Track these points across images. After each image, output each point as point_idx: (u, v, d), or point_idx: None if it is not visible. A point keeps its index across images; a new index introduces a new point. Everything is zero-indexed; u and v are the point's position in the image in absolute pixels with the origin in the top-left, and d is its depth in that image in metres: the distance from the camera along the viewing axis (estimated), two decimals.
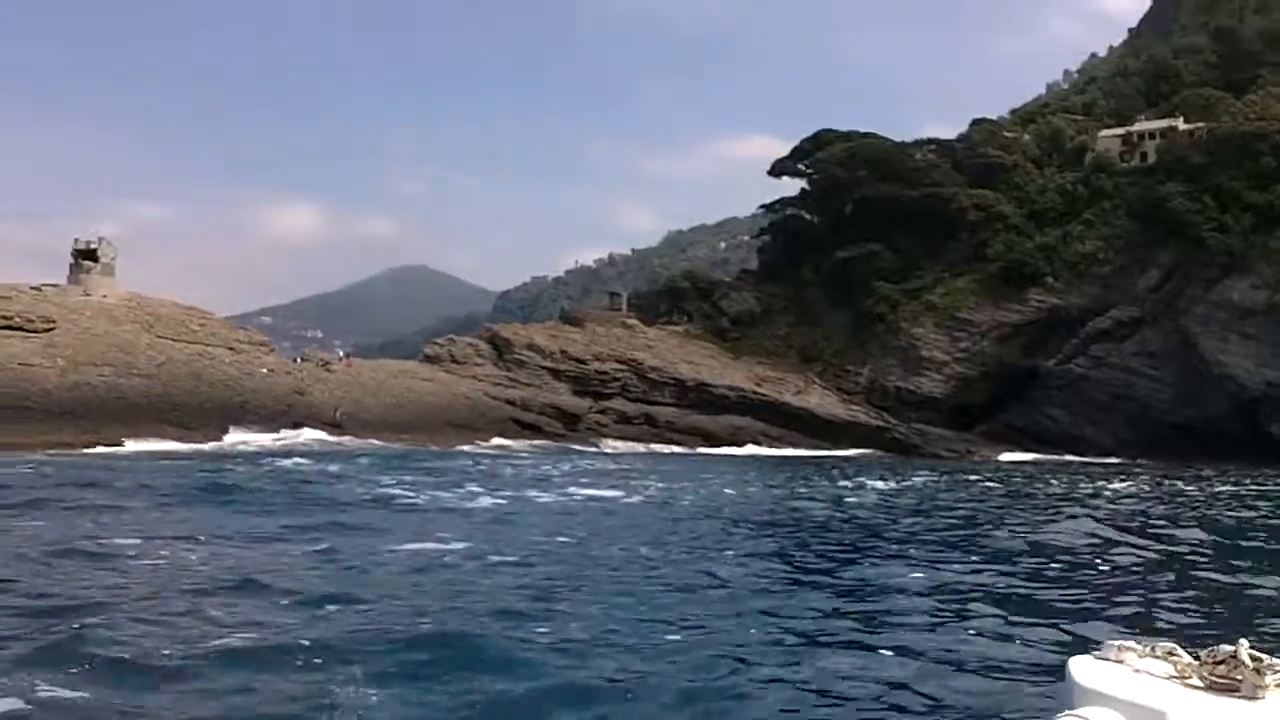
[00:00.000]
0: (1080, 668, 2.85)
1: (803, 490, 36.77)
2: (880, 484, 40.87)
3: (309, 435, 55.24)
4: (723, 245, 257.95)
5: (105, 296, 59.94)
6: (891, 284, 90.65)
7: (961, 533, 23.53)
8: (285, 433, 54.95)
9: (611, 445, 70.93)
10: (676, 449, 73.66)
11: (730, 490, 35.51)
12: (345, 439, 56.41)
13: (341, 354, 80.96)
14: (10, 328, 51.23)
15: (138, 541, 16.70)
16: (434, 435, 62.33)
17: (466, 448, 59.32)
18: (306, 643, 10.00)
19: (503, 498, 27.80)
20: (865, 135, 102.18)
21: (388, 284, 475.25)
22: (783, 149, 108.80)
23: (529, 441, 67.09)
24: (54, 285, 59.60)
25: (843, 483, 41.34)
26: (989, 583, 15.58)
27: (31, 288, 57.78)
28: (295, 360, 70.39)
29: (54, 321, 53.34)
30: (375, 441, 57.12)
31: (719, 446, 76.01)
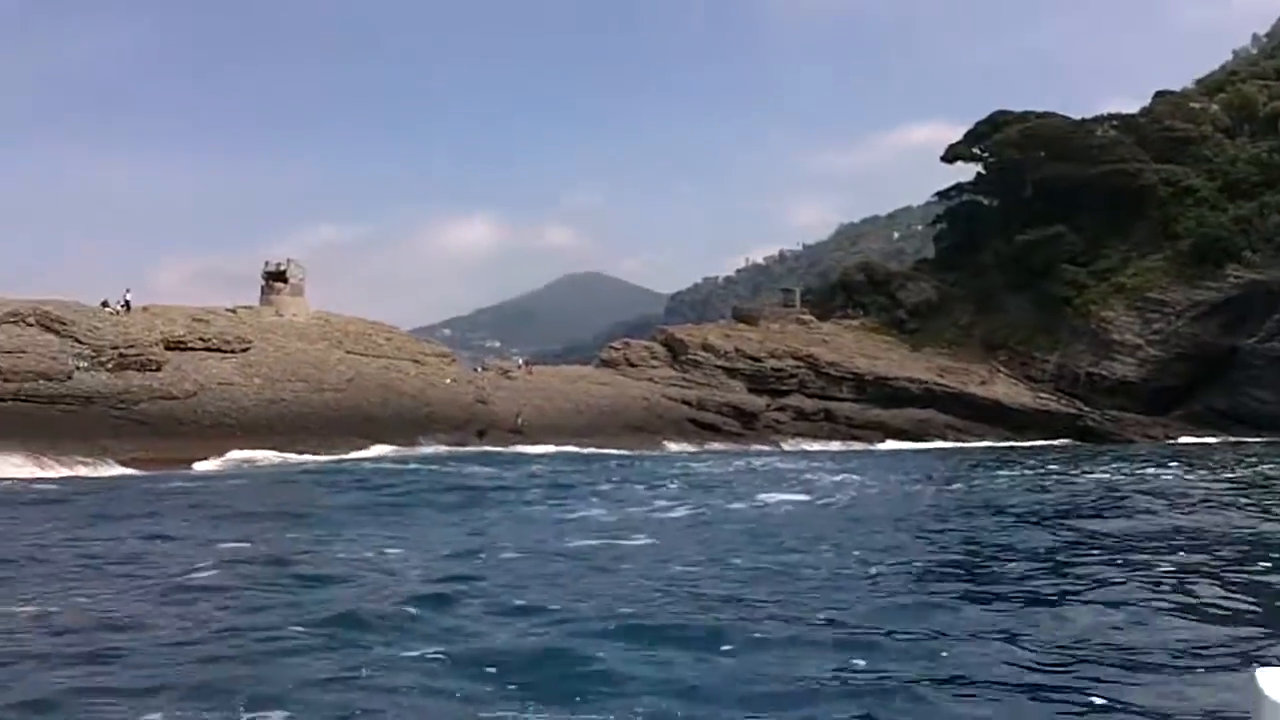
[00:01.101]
0: (1271, 680, 2.51)
1: (1010, 484, 35.39)
2: (1105, 475, 38.42)
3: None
4: (896, 236, 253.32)
5: (296, 315, 62.25)
6: (1077, 266, 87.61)
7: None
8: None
9: (791, 443, 70.27)
10: (857, 445, 72.57)
11: (923, 488, 34.45)
12: (525, 445, 57.22)
13: (521, 362, 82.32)
14: (210, 349, 53.66)
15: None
16: (613, 439, 62.82)
17: (649, 451, 59.60)
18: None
19: (702, 504, 27.47)
20: (1042, 115, 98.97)
21: (563, 292, 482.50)
22: (955, 134, 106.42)
23: (707, 443, 67.00)
24: (248, 307, 62.19)
25: (1062, 473, 39.46)
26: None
27: (227, 310, 60.42)
28: (476, 370, 71.85)
29: (249, 341, 55.63)
30: (550, 447, 57.85)
31: (902, 441, 74.59)
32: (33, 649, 10.08)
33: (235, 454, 45.79)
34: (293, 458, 46.56)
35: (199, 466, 42.64)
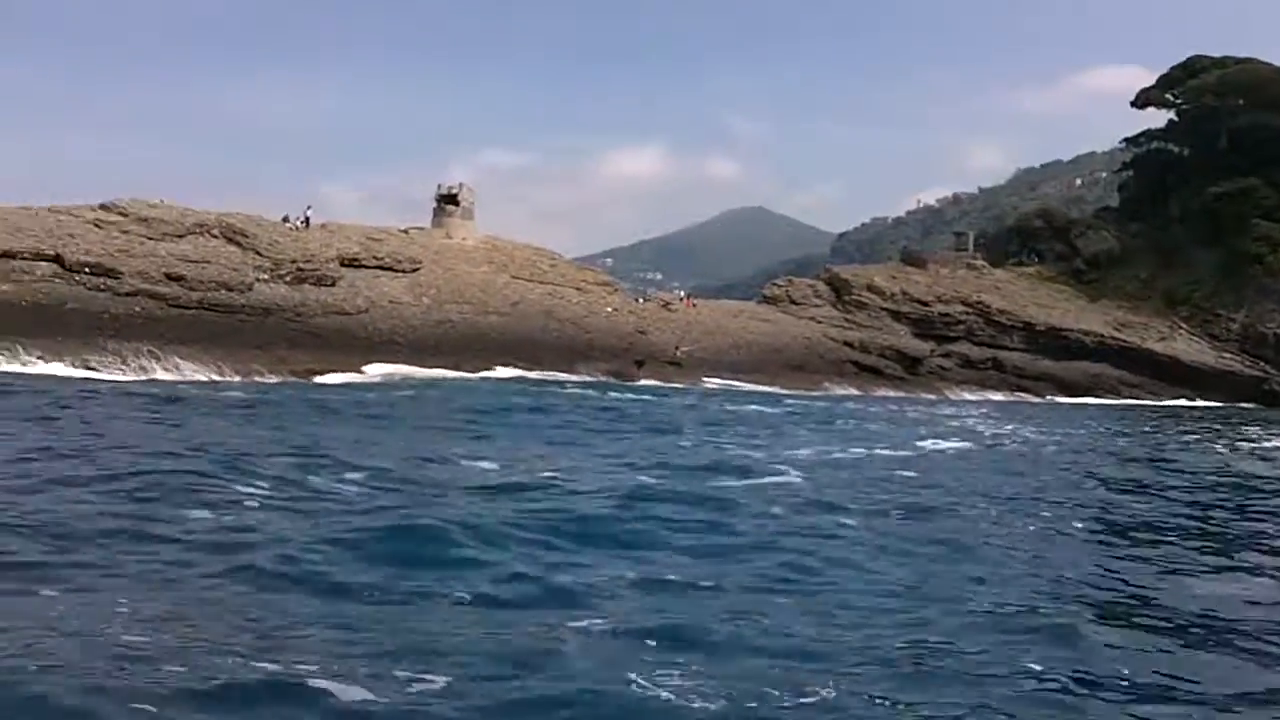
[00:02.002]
0: None
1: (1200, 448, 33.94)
2: None
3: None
4: (1079, 182, 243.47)
5: (465, 239, 63.30)
6: (1271, 222, 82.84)
7: None
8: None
9: (955, 391, 68.73)
10: (1026, 397, 70.65)
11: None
12: (685, 379, 57.20)
13: (682, 294, 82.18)
14: (382, 267, 55.00)
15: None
16: (773, 377, 62.36)
17: (810, 391, 59.20)
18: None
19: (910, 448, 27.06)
20: (1241, 61, 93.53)
21: (726, 226, 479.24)
22: (1147, 79, 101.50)
23: (870, 388, 66.01)
24: (419, 228, 63.46)
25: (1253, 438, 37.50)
26: None
27: (399, 230, 61.79)
28: (637, 300, 71.99)
29: (419, 262, 56.82)
30: (717, 381, 57.89)
31: (1072, 395, 72.34)
32: None
33: (401, 368, 47.18)
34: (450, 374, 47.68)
35: (367, 373, 44.33)
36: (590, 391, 44.52)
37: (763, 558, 11.64)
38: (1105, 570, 12.15)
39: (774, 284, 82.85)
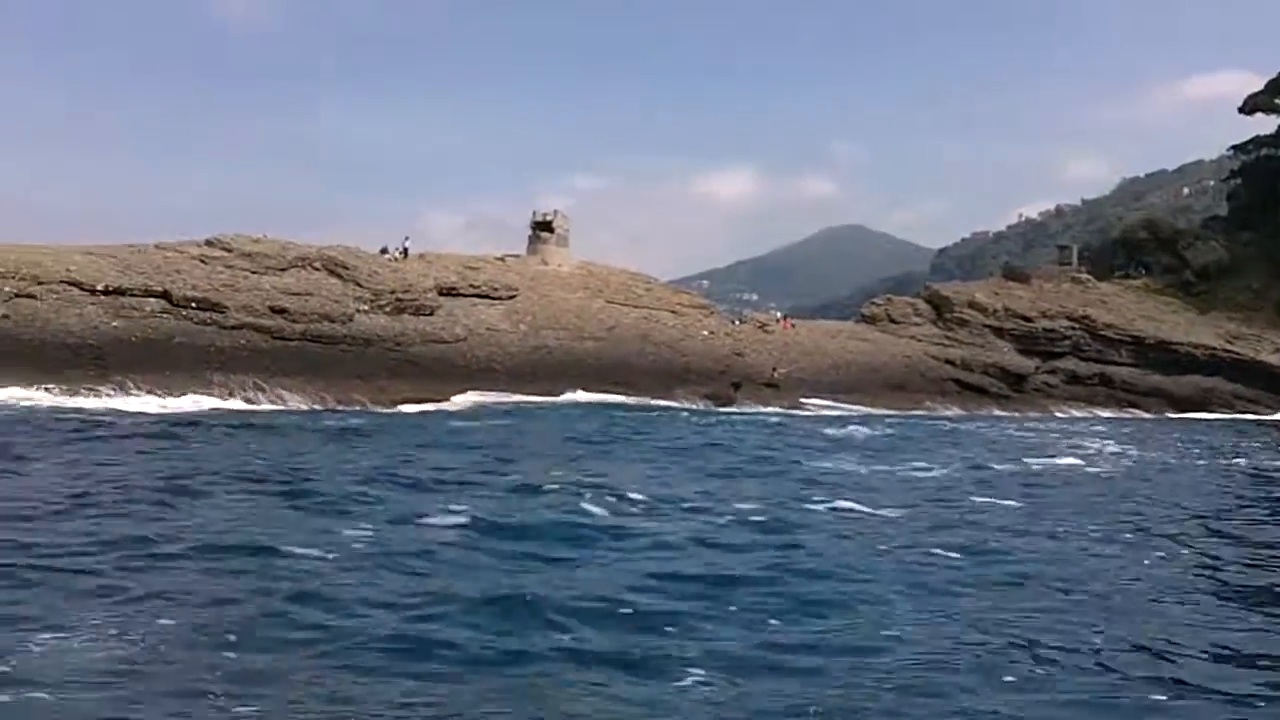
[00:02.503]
0: None
1: None
2: None
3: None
4: (1186, 191, 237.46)
5: (560, 265, 63.74)
6: None
7: None
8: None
9: (1062, 409, 67.21)
10: (1136, 413, 68.87)
11: None
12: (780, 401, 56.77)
13: (779, 315, 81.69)
14: (479, 295, 55.61)
15: None
16: (872, 397, 61.64)
17: (913, 411, 58.52)
18: None
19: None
20: None
21: (823, 245, 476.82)
22: (1255, 84, 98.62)
23: (972, 406, 64.90)
24: (515, 256, 64.05)
25: None
26: None
27: (496, 258, 62.43)
28: (733, 322, 71.72)
29: (516, 289, 57.31)
30: (818, 401, 57.42)
31: (1183, 410, 70.33)
32: None
33: (495, 395, 47.64)
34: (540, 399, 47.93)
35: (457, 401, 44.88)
36: (709, 418, 44.07)
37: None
38: None
39: (873, 303, 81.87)
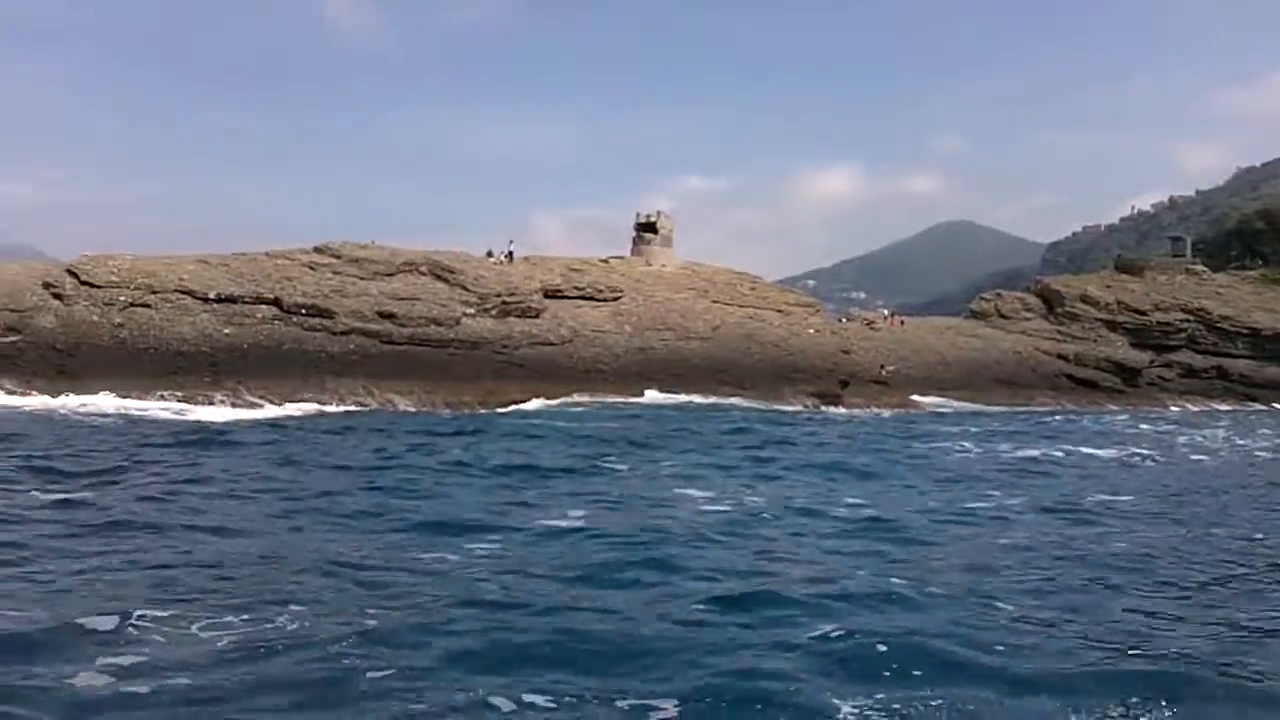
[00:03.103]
0: None
1: None
2: None
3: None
4: None
5: (664, 266, 63.53)
6: None
7: None
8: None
9: (1178, 404, 65.17)
10: (1256, 406, 66.47)
11: None
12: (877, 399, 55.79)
13: (886, 313, 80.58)
14: (584, 297, 55.65)
15: None
16: (983, 393, 60.52)
17: (1026, 407, 57.24)
18: None
19: None
20: None
21: (930, 242, 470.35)
22: None
23: (1084, 400, 63.24)
24: (619, 257, 64.01)
25: None
26: None
27: (600, 260, 62.44)
28: (840, 320, 70.93)
29: (620, 290, 57.23)
30: (929, 400, 56.37)
31: None
32: None
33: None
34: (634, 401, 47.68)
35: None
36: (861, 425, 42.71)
37: None
38: None
39: (982, 298, 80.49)
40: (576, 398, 46.91)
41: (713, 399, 49.76)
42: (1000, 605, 10.82)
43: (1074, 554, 13.91)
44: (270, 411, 37.29)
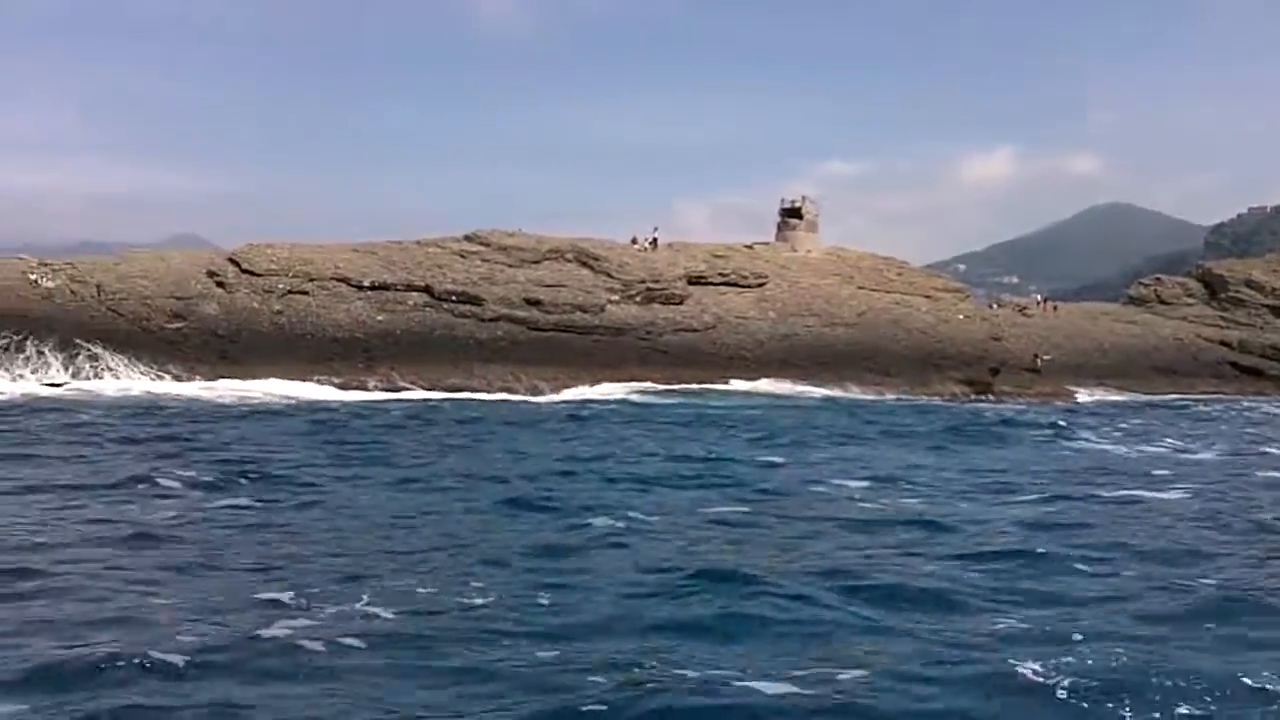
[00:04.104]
0: None
1: None
2: None
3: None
4: None
5: (809, 251, 62.95)
6: None
7: None
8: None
9: None
10: None
11: None
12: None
13: (1039, 298, 78.48)
14: (728, 283, 55.51)
15: None
16: (1142, 382, 58.62)
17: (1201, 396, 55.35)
18: None
19: None
20: None
21: (1086, 225, 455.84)
22: None
23: (1253, 392, 60.61)
24: (764, 243, 63.64)
25: None
26: None
27: (745, 246, 62.19)
28: (990, 306, 69.34)
29: (765, 276, 56.92)
30: (1085, 388, 54.83)
31: None
32: None
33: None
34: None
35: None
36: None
37: None
38: None
39: (1140, 283, 77.85)
40: (751, 384, 46.94)
41: (832, 391, 49.14)
42: None
43: None
44: (420, 395, 38.24)
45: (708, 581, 10.73)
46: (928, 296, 61.34)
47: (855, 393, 48.38)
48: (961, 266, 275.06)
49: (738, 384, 47.38)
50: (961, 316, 60.40)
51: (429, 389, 40.10)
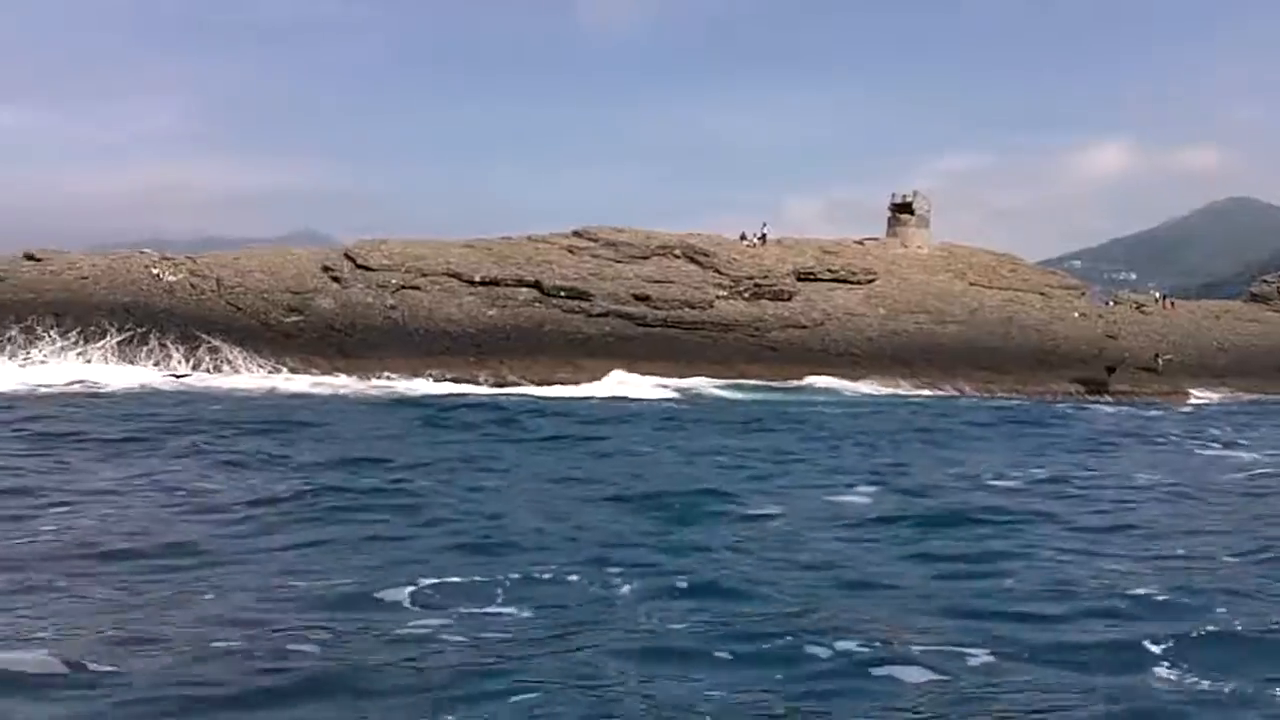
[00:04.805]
0: None
1: None
2: None
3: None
4: None
5: (920, 247, 62.12)
6: None
7: None
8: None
9: None
10: None
11: None
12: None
13: (1158, 295, 76.42)
14: (837, 280, 55.06)
15: None
16: (1266, 382, 56.97)
17: None
18: None
19: None
20: None
21: (1208, 220, 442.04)
22: None
23: None
24: (874, 239, 63.00)
25: None
26: None
27: (855, 242, 61.65)
28: (1106, 303, 67.70)
29: (875, 273, 56.35)
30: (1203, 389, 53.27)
31: None
32: None
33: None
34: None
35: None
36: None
37: None
38: None
39: (1263, 280, 75.42)
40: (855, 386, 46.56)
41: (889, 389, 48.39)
42: None
43: None
44: (531, 390, 38.65)
45: None
46: (1041, 293, 60.14)
47: (967, 390, 47.75)
48: (1078, 262, 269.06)
49: (837, 383, 46.70)
50: (1076, 314, 59.11)
51: (538, 384, 40.52)
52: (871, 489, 17.10)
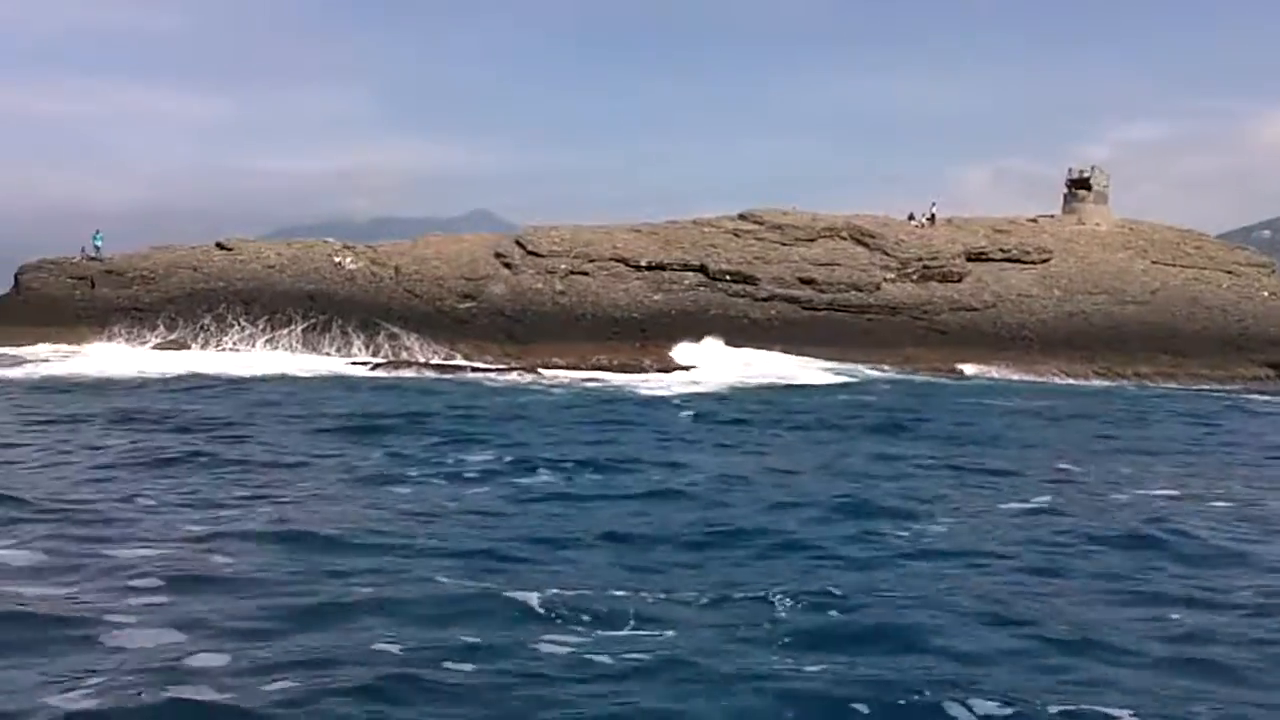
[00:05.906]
0: None
1: None
2: None
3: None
4: None
5: (1098, 225, 59.93)
6: None
7: None
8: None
9: None
10: None
11: None
12: None
13: None
14: (1010, 260, 53.59)
15: None
16: None
17: None
18: None
19: None
20: None
21: None
22: None
23: None
24: (1049, 216, 61.08)
25: None
26: None
27: (1028, 219, 59.87)
28: None
29: (1049, 252, 54.66)
30: None
31: None
32: None
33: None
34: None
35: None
36: None
37: None
38: None
39: None
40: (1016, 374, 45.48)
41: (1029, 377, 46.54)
42: None
43: None
44: (700, 376, 38.71)
45: None
46: (1229, 272, 57.40)
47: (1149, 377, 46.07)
48: (1268, 233, 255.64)
49: (1003, 373, 45.36)
50: (1267, 294, 56.29)
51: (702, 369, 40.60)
52: None
